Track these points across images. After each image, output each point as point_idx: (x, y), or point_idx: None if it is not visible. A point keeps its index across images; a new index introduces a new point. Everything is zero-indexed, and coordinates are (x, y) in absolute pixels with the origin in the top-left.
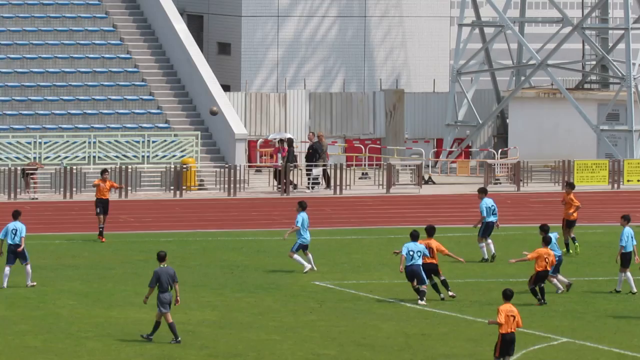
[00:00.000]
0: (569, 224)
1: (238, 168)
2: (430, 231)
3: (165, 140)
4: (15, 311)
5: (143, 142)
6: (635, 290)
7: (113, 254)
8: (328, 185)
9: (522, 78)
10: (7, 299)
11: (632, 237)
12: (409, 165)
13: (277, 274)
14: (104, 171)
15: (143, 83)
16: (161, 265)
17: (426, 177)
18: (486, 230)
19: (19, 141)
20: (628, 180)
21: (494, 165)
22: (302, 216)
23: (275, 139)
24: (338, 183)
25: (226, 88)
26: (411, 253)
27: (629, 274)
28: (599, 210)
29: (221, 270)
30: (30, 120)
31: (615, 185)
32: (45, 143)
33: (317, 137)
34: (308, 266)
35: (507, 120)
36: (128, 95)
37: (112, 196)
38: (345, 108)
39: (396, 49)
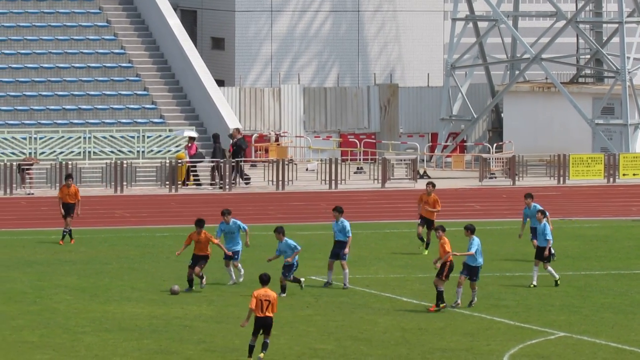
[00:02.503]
0: (429, 223)
1: (233, 163)
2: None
3: (160, 135)
4: (12, 306)
5: (138, 137)
6: (535, 283)
7: (109, 249)
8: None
9: (517, 72)
10: (4, 294)
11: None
12: (404, 160)
13: (273, 268)
14: (68, 176)
15: (137, 78)
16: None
17: (421, 172)
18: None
19: (14, 137)
20: (624, 174)
21: (489, 159)
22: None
23: (183, 136)
24: (333, 178)
25: (220, 83)
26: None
27: (549, 268)
28: (595, 205)
29: (217, 265)
30: (25, 116)
31: (611, 180)
32: (40, 138)
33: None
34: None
35: (502, 115)
36: (122, 91)
37: (107, 191)
38: (340, 103)
39: (390, 43)
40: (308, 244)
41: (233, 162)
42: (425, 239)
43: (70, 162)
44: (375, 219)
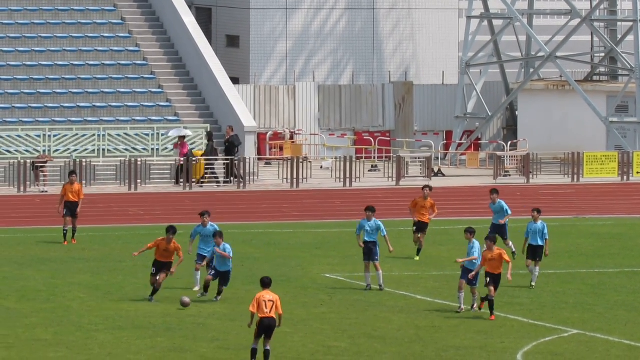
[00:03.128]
0: (423, 227)
1: (247, 161)
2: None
3: (205, 134)
4: (26, 304)
5: (152, 134)
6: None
7: (123, 247)
8: (236, 178)
9: (531, 70)
10: (17, 292)
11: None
12: (419, 158)
13: (288, 266)
14: (71, 173)
15: (152, 76)
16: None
17: (436, 170)
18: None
19: (28, 134)
20: (638, 172)
21: (504, 157)
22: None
23: (175, 136)
24: (348, 176)
25: (235, 81)
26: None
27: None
28: (609, 202)
29: (232, 263)
30: (39, 114)
31: (625, 177)
32: (54, 136)
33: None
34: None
35: (517, 113)
36: (137, 88)
37: (122, 189)
38: (355, 100)
39: (405, 41)
40: (322, 241)
41: (227, 159)
42: (420, 246)
43: (84, 160)
44: (389, 216)
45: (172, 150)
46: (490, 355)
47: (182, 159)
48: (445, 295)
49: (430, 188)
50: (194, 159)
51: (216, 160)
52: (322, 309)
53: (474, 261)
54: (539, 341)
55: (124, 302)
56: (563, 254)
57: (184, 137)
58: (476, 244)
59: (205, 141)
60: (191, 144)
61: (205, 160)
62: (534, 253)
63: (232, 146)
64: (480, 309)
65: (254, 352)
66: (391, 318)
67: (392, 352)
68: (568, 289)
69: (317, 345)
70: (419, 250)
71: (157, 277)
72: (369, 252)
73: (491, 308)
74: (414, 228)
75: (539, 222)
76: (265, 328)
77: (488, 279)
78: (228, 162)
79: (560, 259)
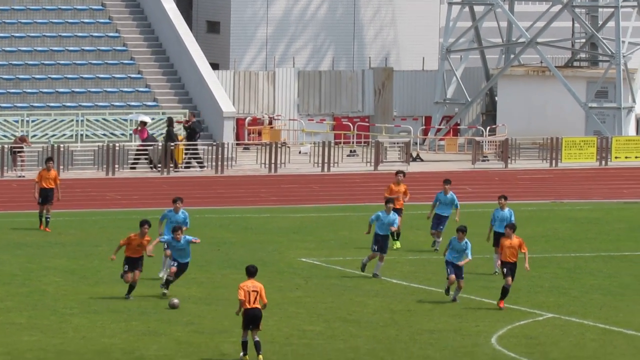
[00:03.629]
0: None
1: (226, 146)
2: None
3: (153, 119)
4: (1, 288)
5: (131, 120)
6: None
7: (100, 232)
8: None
9: (512, 56)
10: None
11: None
12: (397, 143)
13: (264, 251)
14: (48, 159)
15: (131, 61)
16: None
17: (414, 155)
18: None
19: (7, 119)
20: (616, 157)
21: (482, 142)
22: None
23: (136, 120)
24: (326, 161)
25: (215, 66)
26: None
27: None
28: (587, 187)
29: (208, 247)
30: (17, 99)
31: (603, 162)
32: (32, 121)
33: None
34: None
35: (496, 98)
36: (116, 74)
37: (99, 174)
38: (334, 86)
39: (386, 27)
40: (299, 226)
41: (171, 145)
42: (398, 232)
43: (62, 145)
44: (367, 201)
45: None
46: (464, 338)
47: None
48: (421, 280)
49: (404, 173)
50: (172, 144)
51: (175, 145)
52: (297, 292)
53: (461, 255)
54: (514, 325)
55: (100, 286)
56: (540, 238)
57: (144, 122)
58: (469, 244)
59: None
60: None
61: (164, 146)
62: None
63: (193, 132)
64: (500, 307)
65: (244, 344)
66: (366, 302)
67: (366, 336)
68: (544, 273)
69: (292, 329)
70: (397, 235)
71: (132, 275)
72: (382, 245)
73: (504, 295)
74: None
75: (506, 210)
76: (251, 319)
77: (505, 269)
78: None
79: (537, 243)
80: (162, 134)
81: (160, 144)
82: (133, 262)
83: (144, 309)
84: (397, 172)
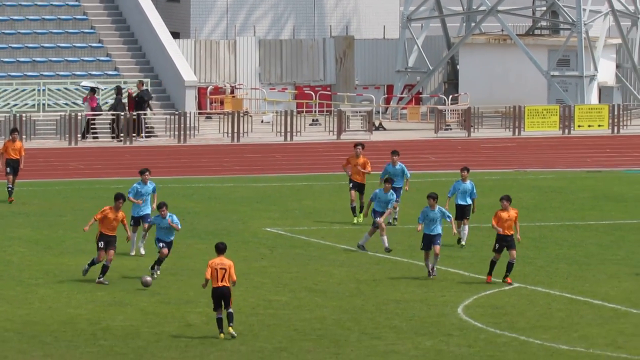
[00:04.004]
0: (361, 187)
1: (188, 115)
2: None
3: (105, 88)
4: None
5: (80, 87)
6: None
7: (63, 202)
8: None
9: (473, 24)
10: None
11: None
12: (360, 112)
13: (228, 220)
14: (13, 130)
15: (92, 31)
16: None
17: (376, 124)
18: None
19: None
20: (579, 126)
21: (445, 111)
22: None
23: (87, 87)
24: (288, 130)
25: (175, 35)
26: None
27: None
28: (550, 156)
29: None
30: None
31: (566, 131)
32: None
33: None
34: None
35: (458, 67)
36: (77, 43)
37: (62, 144)
38: (295, 55)
39: None
40: (263, 195)
41: (134, 114)
42: (358, 206)
43: (24, 115)
44: (330, 170)
45: (111, 104)
46: (430, 308)
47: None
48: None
49: (363, 146)
50: (134, 114)
51: (123, 114)
52: (262, 262)
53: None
54: (480, 294)
55: (64, 257)
56: None
57: (94, 90)
58: (444, 210)
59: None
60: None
61: (113, 114)
62: (462, 212)
63: (141, 101)
64: (508, 283)
65: (219, 321)
66: (332, 272)
67: (332, 306)
68: None
69: (258, 299)
70: (361, 208)
71: (107, 254)
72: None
73: (509, 270)
74: (350, 184)
75: (468, 182)
76: (219, 297)
77: (504, 244)
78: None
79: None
80: (105, 102)
81: (123, 113)
82: (108, 240)
83: (109, 279)
84: (356, 145)
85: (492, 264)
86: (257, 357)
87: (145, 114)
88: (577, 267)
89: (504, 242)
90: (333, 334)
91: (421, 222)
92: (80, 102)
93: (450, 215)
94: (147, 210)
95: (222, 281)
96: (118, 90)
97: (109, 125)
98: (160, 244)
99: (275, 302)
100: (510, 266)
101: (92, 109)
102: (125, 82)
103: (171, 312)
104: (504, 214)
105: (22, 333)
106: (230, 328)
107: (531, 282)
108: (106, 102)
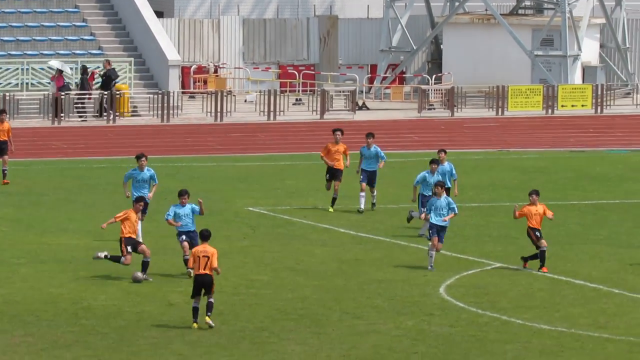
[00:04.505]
0: (337, 175)
1: (171, 94)
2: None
3: (98, 67)
4: None
5: (76, 68)
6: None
7: (46, 181)
8: (101, 115)
9: (456, 4)
10: None
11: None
12: (343, 91)
13: (211, 199)
14: (1, 112)
15: (76, 9)
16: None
17: (360, 103)
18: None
19: None
20: (562, 106)
21: (428, 90)
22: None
23: (54, 67)
24: (272, 109)
25: (159, 14)
26: None
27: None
28: (533, 136)
29: (154, 197)
30: None
31: (550, 111)
32: None
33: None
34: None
35: (441, 46)
36: (61, 22)
37: (45, 123)
38: (279, 34)
39: None
40: (246, 175)
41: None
42: (335, 195)
43: (7, 94)
44: (313, 150)
45: (95, 83)
46: (412, 288)
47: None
48: (369, 229)
49: (342, 131)
50: (117, 92)
51: (89, 94)
52: (244, 242)
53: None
54: (462, 274)
55: (47, 236)
56: (487, 187)
57: (61, 70)
58: (450, 199)
59: (79, 75)
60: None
61: (77, 94)
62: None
63: (109, 80)
64: (524, 267)
65: (194, 310)
66: (314, 251)
67: (314, 286)
68: (491, 222)
69: (240, 279)
70: (333, 200)
71: (140, 251)
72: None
73: (543, 259)
74: (327, 176)
75: (446, 163)
76: (200, 285)
77: (537, 233)
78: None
79: (484, 192)
80: (75, 82)
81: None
82: (134, 242)
83: (91, 259)
84: (335, 131)
85: (541, 252)
86: (239, 336)
87: (104, 94)
88: (560, 247)
89: (537, 232)
90: (314, 313)
91: (427, 212)
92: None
93: (455, 207)
94: (145, 191)
95: (204, 269)
96: (84, 70)
97: (81, 105)
98: (182, 237)
99: (257, 282)
100: (542, 255)
101: (58, 89)
102: (108, 61)
103: (153, 291)
104: (532, 209)
105: (3, 312)
106: (207, 318)
107: (513, 262)
108: (69, 83)
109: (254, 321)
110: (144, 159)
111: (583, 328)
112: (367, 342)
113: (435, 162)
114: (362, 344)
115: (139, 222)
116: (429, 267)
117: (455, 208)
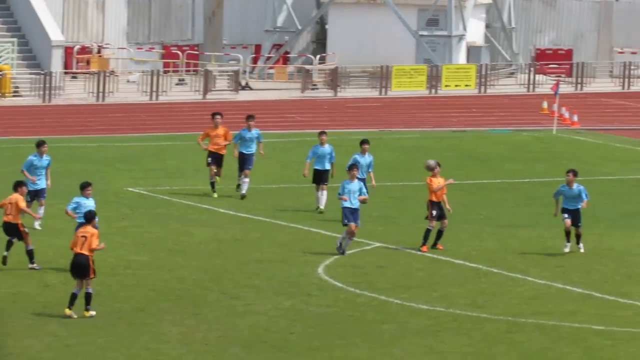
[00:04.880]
0: (220, 159)
1: (54, 75)
2: None
3: None
4: None
5: None
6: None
7: None
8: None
9: None
10: None
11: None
12: (227, 72)
13: (90, 180)
14: None
15: None
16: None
17: (243, 83)
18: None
19: None
20: (446, 86)
21: (312, 71)
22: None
23: None
24: (154, 89)
25: None
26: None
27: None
28: (417, 115)
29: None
30: None
31: (433, 91)
32: None
33: None
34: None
35: (327, 27)
36: None
37: None
38: (164, 14)
39: None
40: (126, 155)
41: None
42: (219, 179)
43: None
44: (196, 130)
45: None
46: (291, 268)
47: None
48: (249, 209)
49: (221, 115)
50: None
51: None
52: (123, 222)
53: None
54: (341, 255)
55: None
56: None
57: None
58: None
59: None
60: None
61: None
62: (320, 177)
63: None
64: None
65: (72, 297)
66: (193, 232)
67: (192, 266)
68: (372, 202)
69: (118, 259)
70: (213, 185)
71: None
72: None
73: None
74: (209, 159)
75: (327, 145)
76: (75, 265)
77: (567, 215)
78: None
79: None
80: None
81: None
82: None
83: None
84: (214, 115)
85: (577, 236)
86: (115, 317)
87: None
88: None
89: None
90: (192, 294)
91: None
92: None
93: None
94: (43, 184)
95: (81, 249)
96: None
97: None
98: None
99: (135, 262)
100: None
101: None
102: None
103: (29, 272)
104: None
105: None
106: (86, 312)
107: (393, 242)
108: None
109: (131, 302)
110: (45, 146)
111: (461, 307)
112: (244, 322)
113: (365, 142)
114: (240, 325)
115: (41, 207)
116: (342, 252)
117: (366, 192)
